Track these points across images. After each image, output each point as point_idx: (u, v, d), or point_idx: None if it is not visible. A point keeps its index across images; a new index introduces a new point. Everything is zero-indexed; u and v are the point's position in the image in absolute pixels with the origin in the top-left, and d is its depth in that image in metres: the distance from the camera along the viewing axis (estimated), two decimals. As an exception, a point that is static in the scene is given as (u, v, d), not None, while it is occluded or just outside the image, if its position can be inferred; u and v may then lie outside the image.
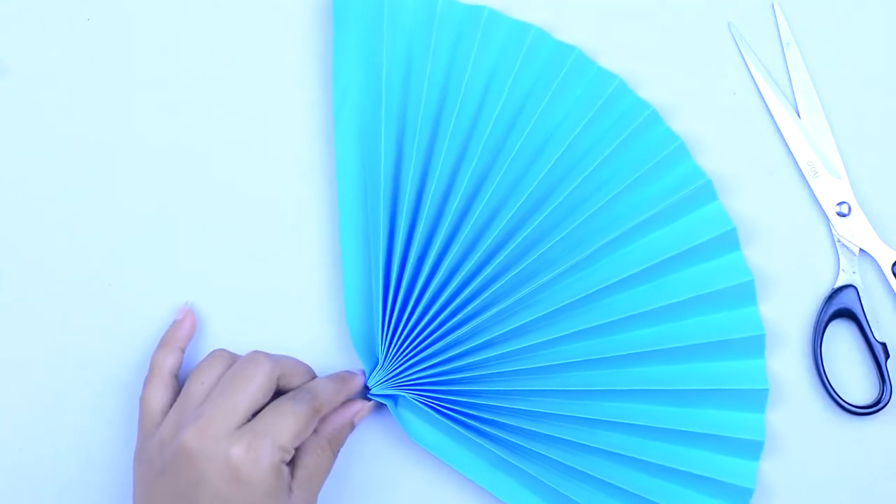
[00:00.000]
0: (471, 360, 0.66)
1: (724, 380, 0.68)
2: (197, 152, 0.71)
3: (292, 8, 0.72)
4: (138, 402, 0.65)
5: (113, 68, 0.71)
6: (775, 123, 0.72)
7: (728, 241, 0.69)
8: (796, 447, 0.69)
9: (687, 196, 0.68)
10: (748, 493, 0.67)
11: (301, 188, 0.71)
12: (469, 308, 0.66)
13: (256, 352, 0.64)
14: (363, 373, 0.67)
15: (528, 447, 0.66)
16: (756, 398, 0.68)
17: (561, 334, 0.67)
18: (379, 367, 0.66)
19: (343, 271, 0.67)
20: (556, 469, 0.66)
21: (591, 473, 0.66)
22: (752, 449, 0.68)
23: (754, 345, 0.68)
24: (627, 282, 0.67)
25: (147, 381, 0.66)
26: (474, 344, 0.66)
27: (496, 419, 0.66)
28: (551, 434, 0.66)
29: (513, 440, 0.66)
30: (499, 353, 0.66)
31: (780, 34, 0.72)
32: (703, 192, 0.69)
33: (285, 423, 0.61)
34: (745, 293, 0.68)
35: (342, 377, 0.66)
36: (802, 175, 0.71)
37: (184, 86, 0.71)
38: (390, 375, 0.66)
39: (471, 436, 0.66)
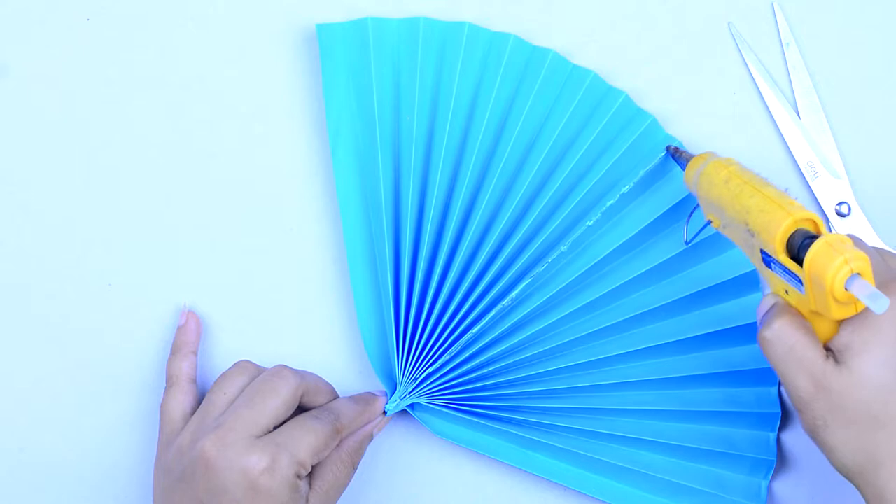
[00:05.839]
0: (479, 361, 0.67)
1: (736, 362, 0.69)
2: (197, 153, 0.71)
3: (292, 8, 0.72)
4: (158, 409, 0.66)
5: (113, 68, 0.71)
6: (775, 123, 0.71)
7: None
8: (796, 447, 0.69)
9: (689, 197, 0.69)
10: (769, 464, 0.68)
11: (302, 192, 0.71)
12: (473, 314, 0.68)
13: (283, 366, 0.64)
14: (385, 394, 0.68)
15: (551, 423, 0.67)
16: (768, 375, 0.69)
17: (565, 314, 0.68)
18: (397, 390, 0.67)
19: (355, 300, 0.68)
20: (581, 436, 0.68)
21: (613, 432, 0.68)
22: (768, 421, 0.69)
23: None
24: (633, 282, 0.69)
25: (165, 391, 0.66)
26: (480, 345, 0.67)
27: (514, 405, 0.68)
28: (569, 406, 0.68)
29: (535, 420, 0.67)
30: (505, 347, 0.67)
31: (780, 34, 0.72)
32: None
33: (306, 439, 0.61)
34: (749, 282, 0.70)
35: (365, 399, 0.67)
36: (802, 175, 0.71)
37: (184, 86, 0.71)
38: (407, 393, 0.67)
39: (493, 424, 0.67)
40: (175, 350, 0.67)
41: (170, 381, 0.66)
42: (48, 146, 0.71)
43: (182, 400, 0.65)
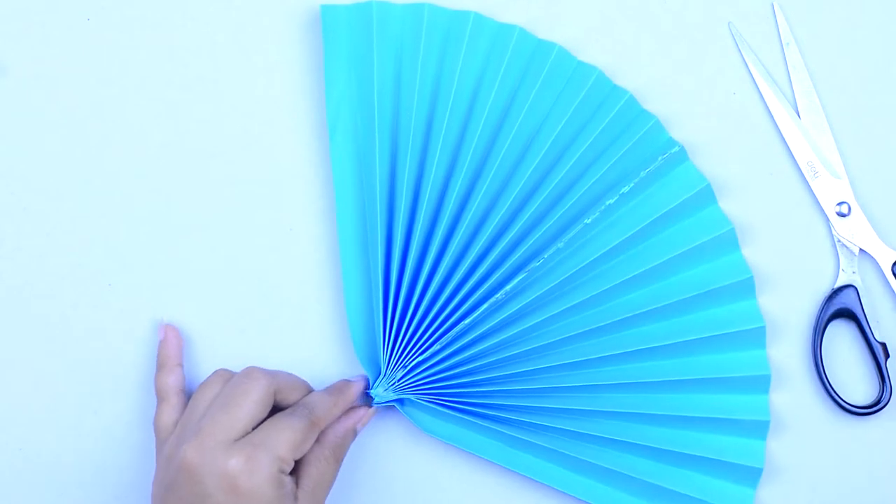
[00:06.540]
0: (469, 354, 0.67)
1: (726, 368, 0.69)
2: (197, 153, 0.71)
3: (290, 6, 0.72)
4: (147, 415, 0.66)
5: (113, 68, 0.71)
6: (775, 123, 0.72)
7: (727, 241, 0.70)
8: (796, 447, 0.69)
9: (688, 200, 0.69)
10: (757, 472, 0.68)
11: (302, 189, 0.71)
12: (465, 306, 0.68)
13: (253, 367, 0.64)
14: (364, 378, 0.67)
15: (539, 422, 0.67)
16: (759, 383, 0.69)
17: (557, 311, 0.68)
18: (382, 375, 0.67)
19: (344, 283, 0.68)
20: (569, 437, 0.68)
21: (602, 435, 0.67)
22: (758, 429, 0.68)
23: (755, 336, 0.69)
24: (628, 283, 0.69)
25: (157, 406, 0.66)
26: (471, 338, 0.67)
27: (502, 402, 0.67)
28: (557, 406, 0.67)
29: (522, 419, 0.67)
30: (495, 341, 0.67)
31: (780, 34, 0.72)
32: (704, 195, 0.70)
33: (283, 435, 0.61)
34: (744, 289, 0.69)
35: (338, 388, 0.67)
36: (802, 175, 0.71)
37: (184, 86, 0.71)
38: (394, 382, 0.67)
39: (480, 422, 0.67)
40: (160, 365, 0.67)
41: (159, 397, 0.66)
42: (48, 146, 0.71)
43: (172, 414, 0.66)
